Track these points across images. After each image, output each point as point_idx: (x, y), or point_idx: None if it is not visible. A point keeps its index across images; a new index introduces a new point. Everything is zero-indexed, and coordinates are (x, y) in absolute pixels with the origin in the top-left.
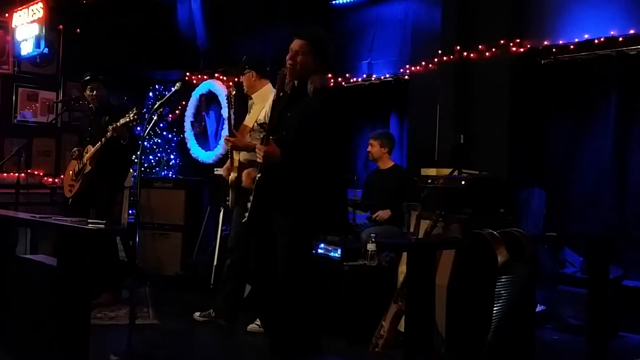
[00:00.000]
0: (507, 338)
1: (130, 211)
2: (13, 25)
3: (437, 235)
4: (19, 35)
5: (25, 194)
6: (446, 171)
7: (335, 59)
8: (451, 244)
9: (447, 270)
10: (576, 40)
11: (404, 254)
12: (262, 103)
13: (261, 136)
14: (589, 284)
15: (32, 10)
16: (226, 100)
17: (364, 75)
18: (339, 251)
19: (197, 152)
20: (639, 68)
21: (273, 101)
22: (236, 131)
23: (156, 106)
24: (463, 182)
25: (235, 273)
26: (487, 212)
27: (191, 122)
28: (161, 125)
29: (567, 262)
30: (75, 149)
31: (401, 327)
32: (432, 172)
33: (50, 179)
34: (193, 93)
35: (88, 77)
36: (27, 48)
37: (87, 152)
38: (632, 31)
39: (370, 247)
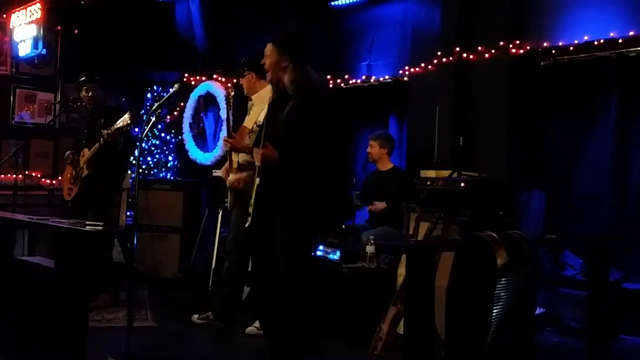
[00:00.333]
0: (507, 340)
1: (128, 213)
2: (11, 26)
3: (437, 238)
4: (16, 36)
5: (23, 196)
6: (445, 173)
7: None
8: (450, 246)
9: (446, 273)
10: (576, 41)
11: (403, 256)
12: (262, 104)
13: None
14: (589, 287)
15: (30, 11)
16: (225, 102)
17: (363, 77)
18: (338, 253)
19: (195, 153)
20: (639, 70)
21: (269, 106)
22: (235, 133)
23: (154, 107)
24: (462, 184)
25: (234, 275)
26: (487, 214)
27: (189, 123)
28: (159, 126)
29: (567, 265)
30: (68, 152)
31: (400, 329)
32: (431, 173)
33: (48, 181)
34: (191, 94)
35: (84, 78)
36: (24, 49)
37: (83, 156)
38: (631, 33)
39: (370, 249)
